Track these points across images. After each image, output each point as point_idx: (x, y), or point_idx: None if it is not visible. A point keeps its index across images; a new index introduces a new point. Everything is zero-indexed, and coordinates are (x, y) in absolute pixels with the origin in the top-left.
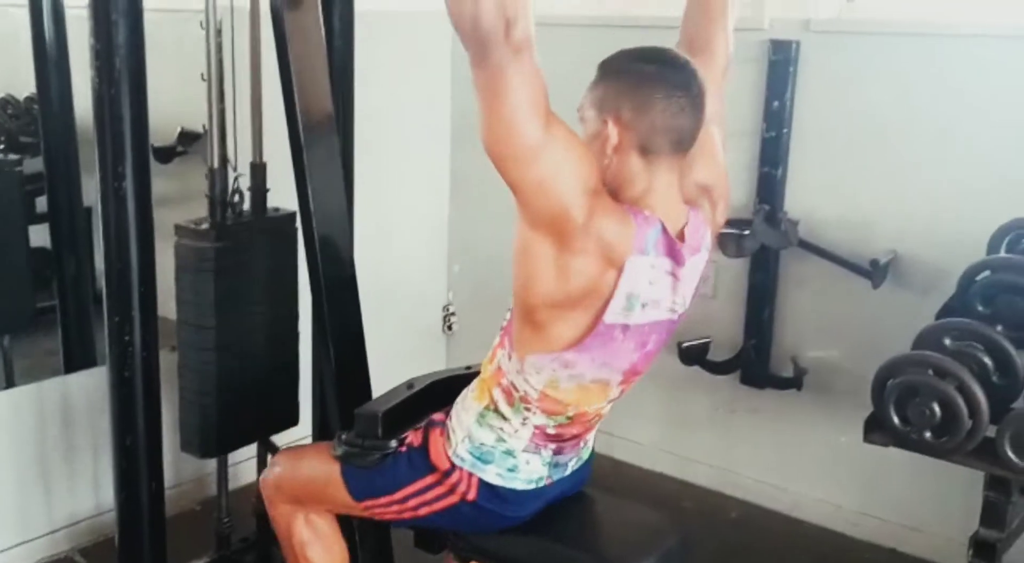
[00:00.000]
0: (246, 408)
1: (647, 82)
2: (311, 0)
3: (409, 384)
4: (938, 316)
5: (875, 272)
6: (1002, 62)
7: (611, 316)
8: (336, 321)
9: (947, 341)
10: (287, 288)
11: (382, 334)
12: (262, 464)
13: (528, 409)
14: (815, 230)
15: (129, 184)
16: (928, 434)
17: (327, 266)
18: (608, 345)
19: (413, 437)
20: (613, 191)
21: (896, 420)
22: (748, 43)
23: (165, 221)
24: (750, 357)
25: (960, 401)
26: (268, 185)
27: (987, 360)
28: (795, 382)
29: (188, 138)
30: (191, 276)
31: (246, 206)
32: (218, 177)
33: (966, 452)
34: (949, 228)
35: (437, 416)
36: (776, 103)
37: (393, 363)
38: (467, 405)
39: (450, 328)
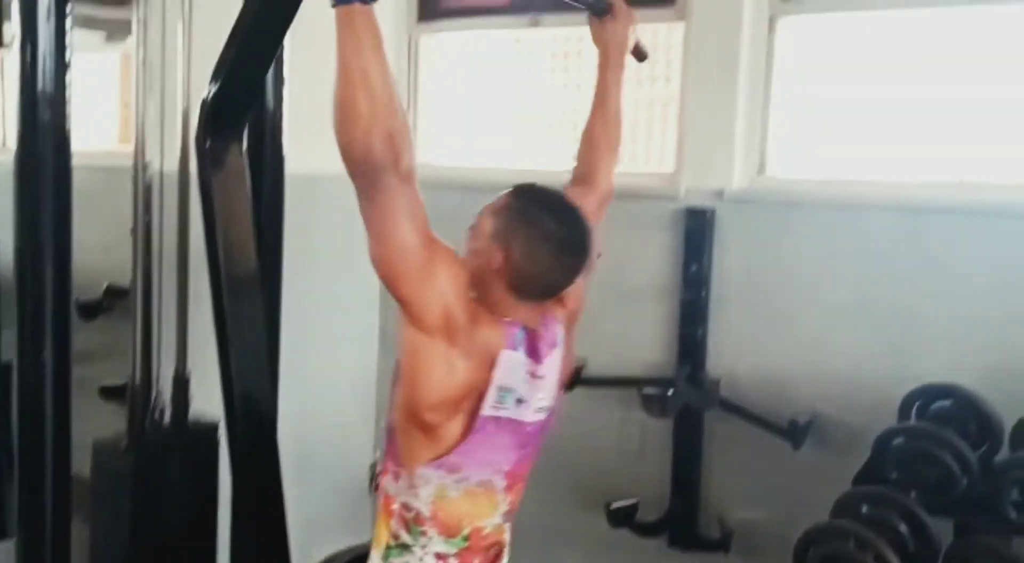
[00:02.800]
0: None
1: (548, 242)
2: (237, 164)
3: None
4: (855, 480)
5: (795, 433)
6: (906, 233)
7: (487, 409)
8: (253, 491)
9: (864, 508)
10: (206, 498)
11: (307, 493)
12: None
13: (424, 533)
14: (737, 389)
15: (48, 351)
16: None
17: (246, 429)
18: (487, 441)
19: None
20: (481, 297)
21: None
22: (665, 211)
23: (89, 378)
24: (678, 518)
25: None
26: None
27: (903, 528)
28: (723, 544)
29: (114, 294)
30: (106, 496)
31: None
32: (139, 394)
33: None
34: (864, 390)
35: None
36: (694, 267)
37: (318, 524)
38: (372, 560)
39: (377, 487)
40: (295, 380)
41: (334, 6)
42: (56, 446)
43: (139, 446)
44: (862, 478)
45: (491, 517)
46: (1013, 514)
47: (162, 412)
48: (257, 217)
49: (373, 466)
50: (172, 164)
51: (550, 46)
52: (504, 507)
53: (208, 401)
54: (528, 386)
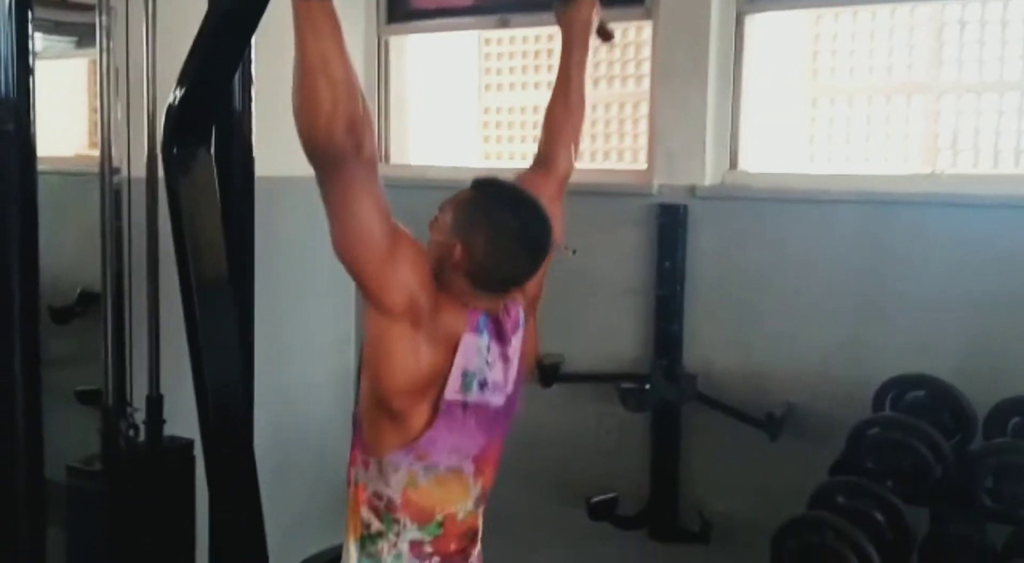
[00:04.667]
0: None
1: (506, 234)
2: (205, 169)
3: None
4: (831, 470)
5: (771, 425)
6: (877, 225)
7: (450, 393)
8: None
9: (840, 499)
10: (183, 518)
11: (285, 494)
12: None
13: (397, 520)
14: (713, 383)
15: (17, 359)
16: None
17: (221, 434)
18: (453, 427)
19: None
20: (443, 287)
21: None
22: (638, 207)
23: (65, 381)
24: (657, 511)
25: (855, 562)
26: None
27: (879, 517)
28: (702, 536)
29: (87, 299)
30: (82, 519)
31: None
32: (112, 415)
33: None
34: (838, 381)
35: None
36: (667, 263)
37: (298, 526)
38: (347, 550)
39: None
40: (271, 383)
41: (295, 1)
42: (28, 454)
43: (113, 468)
44: (838, 469)
45: (463, 503)
46: (988, 501)
47: (136, 430)
48: (227, 221)
49: None
50: (140, 170)
51: (520, 45)
52: (476, 492)
53: (182, 419)
54: (495, 369)
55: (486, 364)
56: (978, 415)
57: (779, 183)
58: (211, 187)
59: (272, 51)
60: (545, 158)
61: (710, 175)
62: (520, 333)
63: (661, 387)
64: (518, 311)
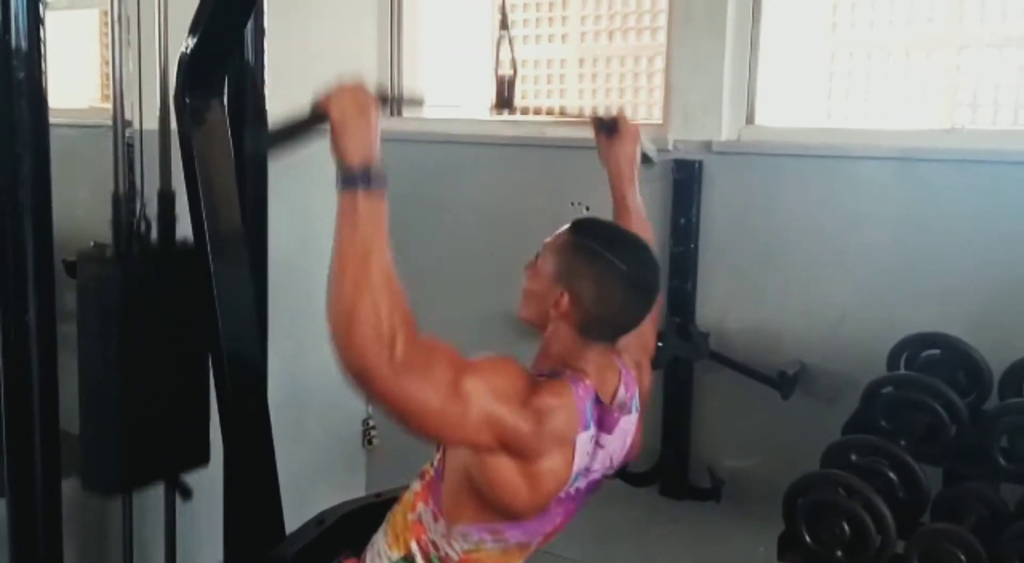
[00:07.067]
0: (153, 444)
1: (617, 280)
2: (218, 119)
3: (319, 520)
4: (844, 429)
5: (783, 383)
6: (895, 182)
7: (563, 493)
8: (244, 449)
9: (853, 457)
10: (196, 321)
11: (301, 448)
12: (171, 505)
13: None
14: (726, 342)
15: (32, 312)
16: (839, 552)
17: (236, 388)
18: (544, 517)
19: None
20: (547, 346)
21: (808, 539)
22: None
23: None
24: (668, 468)
25: (868, 519)
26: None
27: (892, 476)
28: (713, 493)
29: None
30: (94, 307)
31: (153, 236)
32: (123, 204)
33: None
34: (852, 340)
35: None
36: (682, 219)
37: (313, 479)
38: (381, 551)
39: (370, 442)
40: (286, 336)
41: (339, 190)
42: (43, 407)
43: (126, 256)
44: (851, 427)
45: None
46: (1002, 461)
47: (148, 226)
48: (241, 173)
49: (366, 421)
50: (152, 122)
51: None
52: (530, 553)
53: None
54: (594, 459)
55: (587, 455)
56: (994, 374)
57: (796, 139)
58: (224, 138)
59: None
60: None
61: (726, 130)
62: (632, 417)
63: (674, 345)
64: (635, 390)
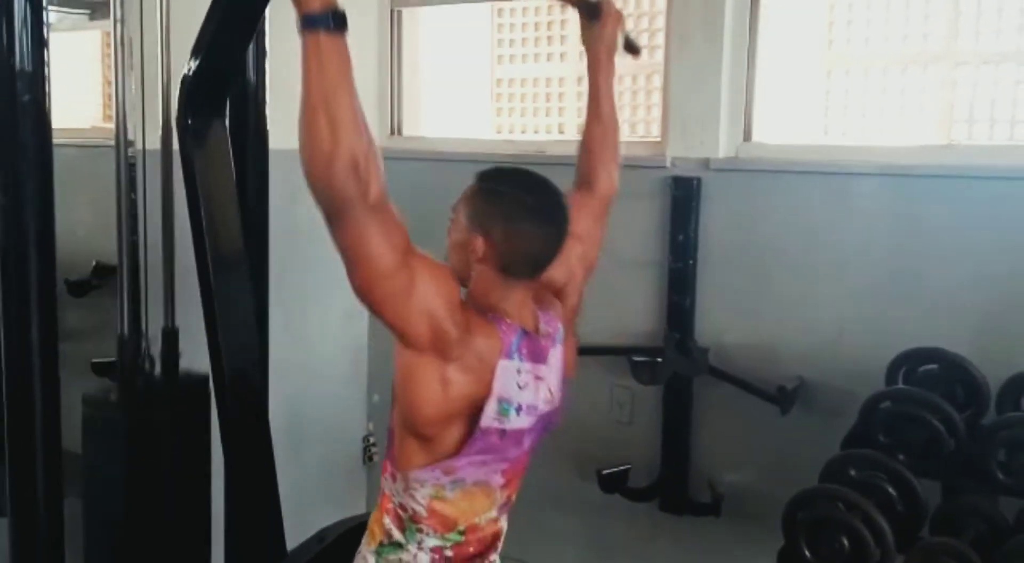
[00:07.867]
0: None
1: (521, 212)
2: (220, 140)
3: (320, 537)
4: (843, 444)
5: (782, 398)
6: (892, 197)
7: (486, 420)
8: (245, 467)
9: (852, 472)
10: (199, 451)
11: (301, 466)
12: None
13: (420, 530)
14: (725, 357)
15: (34, 331)
16: None
17: (237, 407)
18: (486, 449)
19: None
20: (472, 294)
21: (808, 553)
22: (652, 180)
23: (79, 355)
24: (668, 484)
25: (867, 533)
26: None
27: (891, 490)
28: (713, 508)
29: (103, 272)
30: (100, 448)
31: (157, 371)
32: (128, 345)
33: None
34: (850, 355)
35: None
36: (681, 236)
37: (314, 496)
38: (361, 550)
39: (371, 459)
40: (286, 354)
41: (301, 31)
42: (45, 425)
43: (130, 397)
44: (850, 442)
45: (488, 512)
46: (1000, 475)
47: (152, 363)
48: (242, 193)
49: (366, 438)
50: (155, 142)
51: (533, 17)
52: (501, 500)
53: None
54: (527, 391)
55: (518, 388)
56: (991, 389)
57: (793, 155)
58: (226, 159)
59: (286, 22)
60: (586, 179)
61: (724, 147)
62: (558, 349)
63: (673, 360)
64: (557, 325)
